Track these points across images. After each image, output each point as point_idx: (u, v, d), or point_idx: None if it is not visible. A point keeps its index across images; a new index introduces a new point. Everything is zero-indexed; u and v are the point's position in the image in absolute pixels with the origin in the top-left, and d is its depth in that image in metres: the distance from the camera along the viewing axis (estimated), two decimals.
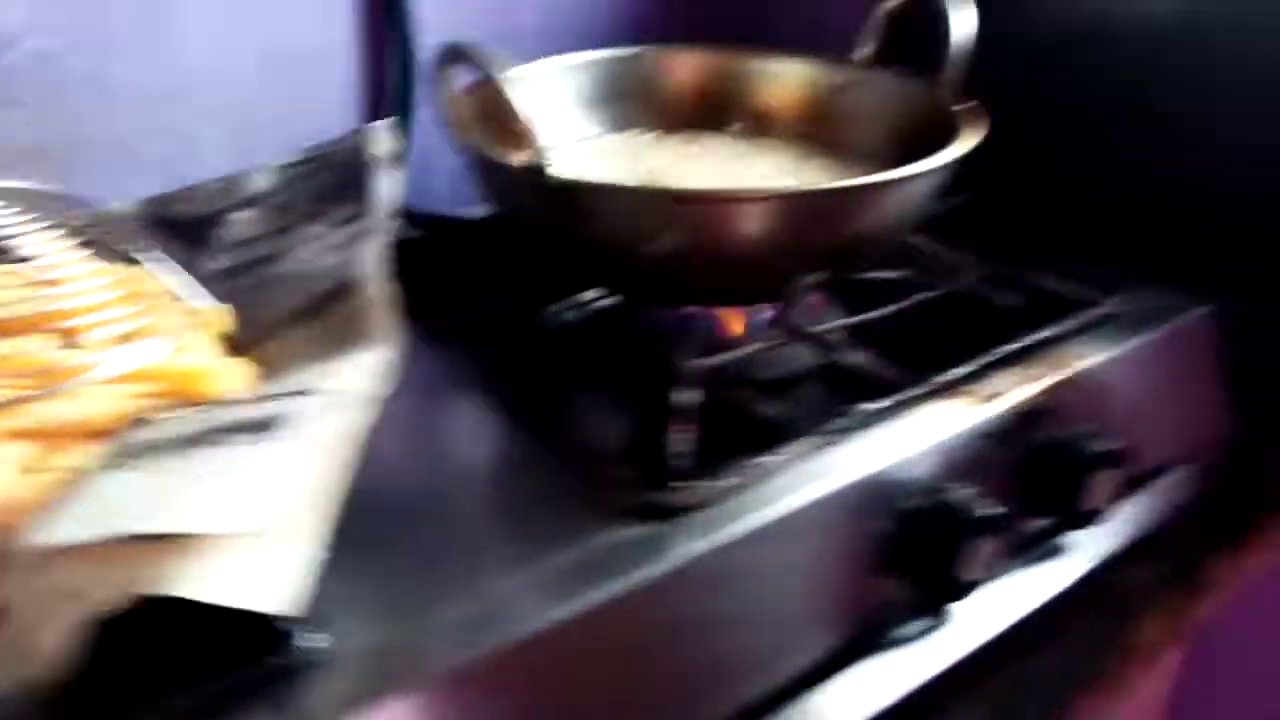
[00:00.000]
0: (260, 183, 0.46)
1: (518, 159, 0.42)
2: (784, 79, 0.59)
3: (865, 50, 0.58)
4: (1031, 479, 0.45)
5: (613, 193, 0.41)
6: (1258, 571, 0.55)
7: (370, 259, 0.37)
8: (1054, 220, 0.60)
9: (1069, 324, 0.50)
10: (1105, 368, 0.49)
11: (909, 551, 0.41)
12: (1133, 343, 0.50)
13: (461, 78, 0.46)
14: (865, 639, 0.42)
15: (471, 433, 0.44)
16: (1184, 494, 0.54)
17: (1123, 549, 0.51)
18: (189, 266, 0.43)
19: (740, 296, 0.47)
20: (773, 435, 0.42)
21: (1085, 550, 0.49)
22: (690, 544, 0.36)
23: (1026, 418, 0.45)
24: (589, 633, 0.34)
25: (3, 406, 0.31)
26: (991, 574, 0.42)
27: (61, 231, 0.39)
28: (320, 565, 0.30)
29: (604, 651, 0.35)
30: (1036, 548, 0.47)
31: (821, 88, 0.58)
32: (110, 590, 0.24)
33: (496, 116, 0.42)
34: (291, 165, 0.46)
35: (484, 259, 0.56)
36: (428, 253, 0.58)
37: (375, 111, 0.65)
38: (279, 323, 0.38)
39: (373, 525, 0.37)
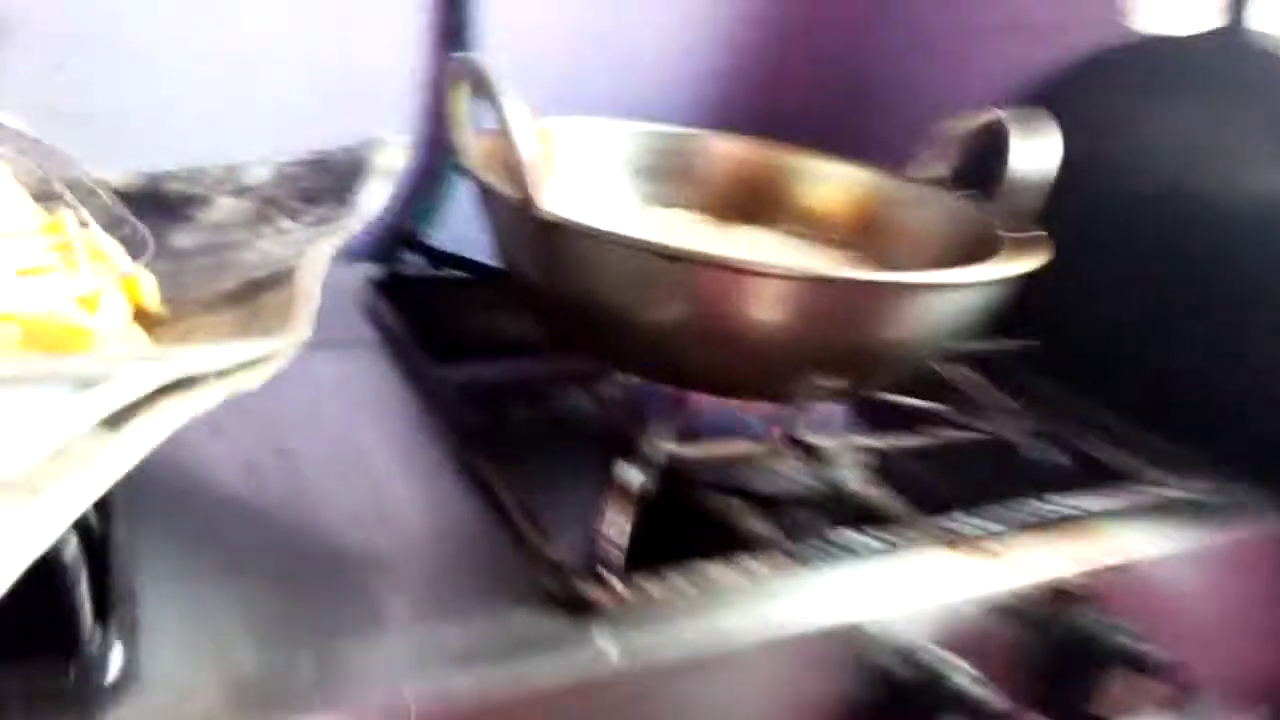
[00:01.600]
0: (258, 174, 0.44)
1: (507, 189, 0.38)
2: (840, 183, 0.55)
3: (930, 167, 0.53)
4: (1042, 669, 0.37)
5: (604, 241, 0.37)
6: None
7: (315, 255, 0.34)
8: (1124, 388, 0.53)
9: (1120, 499, 0.42)
10: (1158, 560, 0.41)
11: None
12: (1197, 537, 0.42)
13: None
14: None
15: (416, 479, 0.39)
16: None
17: None
18: (160, 241, 0.40)
19: (738, 388, 0.41)
20: (737, 546, 0.35)
21: None
22: (597, 649, 0.30)
23: (1048, 593, 0.37)
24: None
25: None
26: None
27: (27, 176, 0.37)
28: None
29: None
30: None
31: (878, 198, 0.54)
32: None
33: (505, 152, 0.39)
34: (294, 163, 0.44)
35: (489, 307, 0.53)
36: (437, 292, 0.55)
37: (430, 148, 0.64)
38: (207, 304, 0.34)
39: (267, 554, 0.33)
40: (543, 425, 0.45)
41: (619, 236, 0.37)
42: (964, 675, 0.33)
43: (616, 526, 0.31)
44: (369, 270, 0.57)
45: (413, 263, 0.58)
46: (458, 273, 0.56)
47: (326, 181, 0.42)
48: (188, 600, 0.30)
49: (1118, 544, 0.40)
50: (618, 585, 0.31)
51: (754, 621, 0.32)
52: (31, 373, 0.24)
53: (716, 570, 0.33)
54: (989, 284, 0.39)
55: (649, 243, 0.36)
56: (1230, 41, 0.54)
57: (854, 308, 0.38)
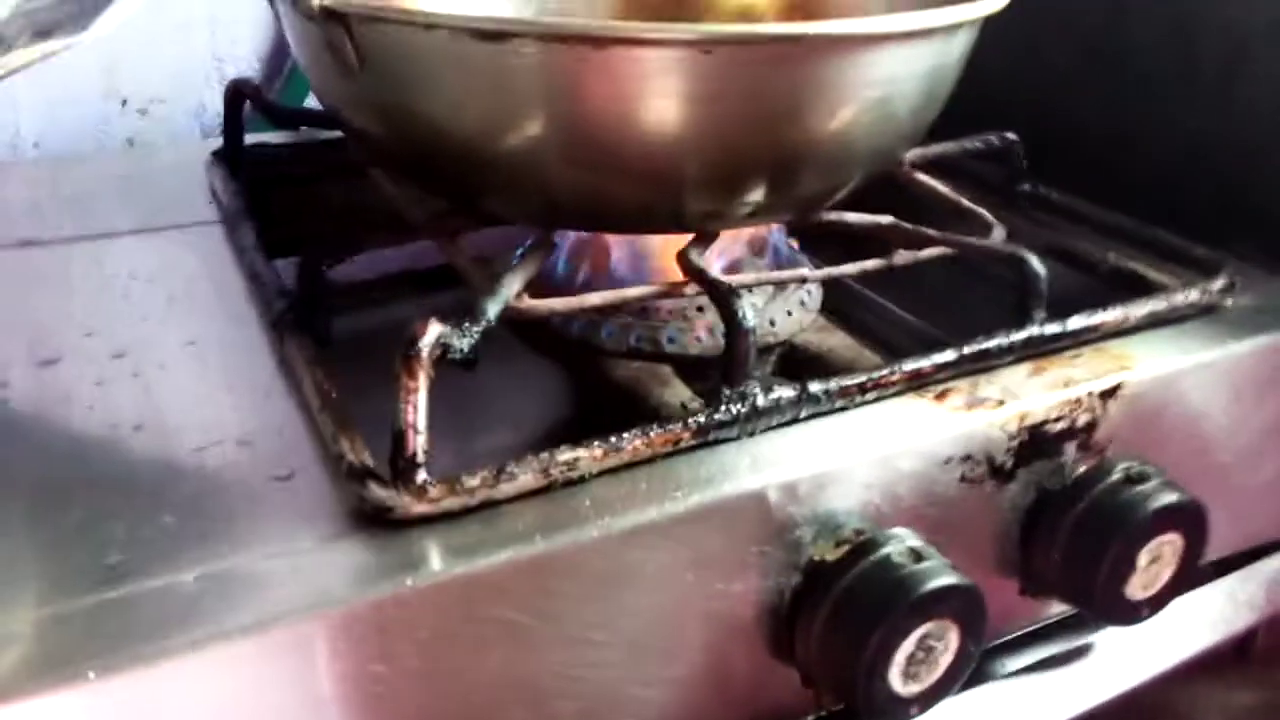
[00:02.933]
0: None
1: None
2: None
3: None
4: (1041, 538, 0.28)
5: (407, 27, 0.27)
6: None
7: None
8: (1125, 191, 0.42)
9: (1136, 309, 0.33)
10: (1187, 379, 0.32)
11: (816, 630, 0.25)
12: (1230, 348, 0.32)
13: None
14: None
15: (223, 379, 0.30)
16: None
17: (1184, 665, 0.33)
18: None
19: (623, 219, 0.32)
20: (619, 420, 0.26)
21: (1121, 663, 0.32)
22: (411, 570, 0.22)
23: (1041, 439, 0.28)
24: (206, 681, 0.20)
25: None
26: (948, 681, 0.25)
27: None
28: None
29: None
30: (1041, 646, 0.30)
31: None
32: None
33: None
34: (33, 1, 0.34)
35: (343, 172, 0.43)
36: (286, 160, 0.46)
37: None
38: None
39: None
40: (397, 322, 0.36)
41: (429, 16, 0.27)
42: (929, 554, 0.25)
43: (415, 405, 0.23)
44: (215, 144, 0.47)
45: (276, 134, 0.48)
46: (313, 134, 0.46)
47: (69, 11, 0.32)
48: None
49: (1131, 362, 0.31)
50: (427, 485, 0.23)
51: (623, 511, 0.24)
52: None
53: (576, 452, 0.24)
54: (932, 31, 0.29)
55: (469, 19, 0.26)
56: None
57: (759, 81, 0.27)
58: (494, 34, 0.26)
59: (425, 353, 0.23)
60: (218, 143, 0.48)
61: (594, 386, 0.35)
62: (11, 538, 0.23)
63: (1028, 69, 0.46)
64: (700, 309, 0.35)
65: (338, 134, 0.46)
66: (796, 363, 0.36)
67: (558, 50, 0.27)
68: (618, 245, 0.36)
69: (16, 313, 0.34)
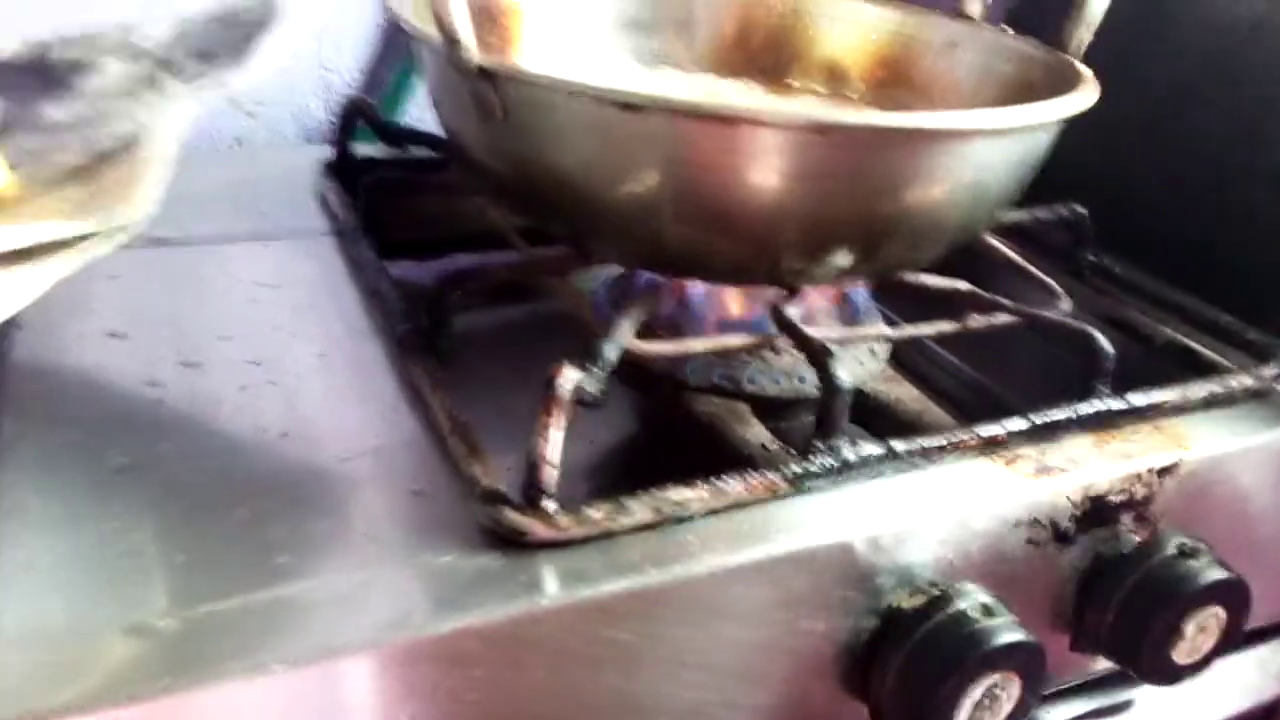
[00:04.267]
0: (156, 34, 0.37)
1: (438, 33, 0.30)
2: (864, 25, 0.46)
3: (972, 7, 0.45)
4: (1094, 601, 0.31)
5: (552, 91, 0.30)
6: None
7: (169, 117, 0.27)
8: (1186, 267, 0.44)
9: (1194, 390, 0.35)
10: (1233, 460, 0.34)
11: (892, 673, 0.27)
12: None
13: None
14: None
15: (353, 391, 0.33)
16: None
17: None
18: (27, 111, 0.34)
19: (728, 271, 0.35)
20: (722, 462, 0.29)
21: (1162, 716, 0.34)
22: (536, 591, 0.24)
23: (1101, 509, 0.31)
24: (347, 690, 0.23)
25: None
26: None
27: None
28: None
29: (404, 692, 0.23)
30: (1086, 696, 0.33)
31: (908, 41, 0.45)
32: None
33: None
34: (197, 18, 0.37)
35: (455, 191, 0.46)
36: (395, 175, 0.48)
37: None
38: (49, 181, 0.28)
39: (156, 478, 0.28)
40: (507, 330, 0.39)
41: (569, 84, 0.30)
42: (995, 611, 0.27)
43: (551, 441, 0.25)
44: (323, 153, 0.50)
45: (377, 145, 0.51)
46: (420, 153, 0.49)
47: (230, 37, 0.35)
48: (44, 539, 0.25)
49: (1184, 442, 0.33)
50: (555, 513, 0.26)
51: (723, 549, 0.26)
52: None
53: (685, 492, 0.27)
54: (1026, 129, 0.31)
55: (608, 90, 0.29)
56: None
57: (863, 164, 0.30)
58: (631, 105, 0.29)
59: (564, 394, 0.26)
60: (319, 149, 0.51)
61: (675, 418, 0.38)
62: (178, 533, 0.26)
63: (1101, 146, 0.48)
64: (776, 351, 0.37)
65: (435, 153, 0.49)
66: (865, 410, 0.38)
67: (687, 123, 0.29)
68: (697, 290, 0.39)
69: (158, 311, 0.37)
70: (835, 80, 0.47)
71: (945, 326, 0.36)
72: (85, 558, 0.25)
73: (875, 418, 0.37)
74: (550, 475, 0.26)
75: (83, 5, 0.43)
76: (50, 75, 0.37)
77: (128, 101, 0.33)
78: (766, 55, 0.49)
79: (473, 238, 0.43)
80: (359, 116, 0.48)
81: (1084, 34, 0.39)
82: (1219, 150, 0.47)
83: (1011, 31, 0.43)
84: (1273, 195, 0.45)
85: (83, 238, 0.23)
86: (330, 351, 0.35)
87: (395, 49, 0.59)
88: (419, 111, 0.59)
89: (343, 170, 0.48)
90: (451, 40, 0.29)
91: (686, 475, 0.28)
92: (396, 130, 0.49)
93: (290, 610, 0.23)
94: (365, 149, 0.50)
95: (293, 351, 0.35)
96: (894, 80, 0.46)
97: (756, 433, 0.36)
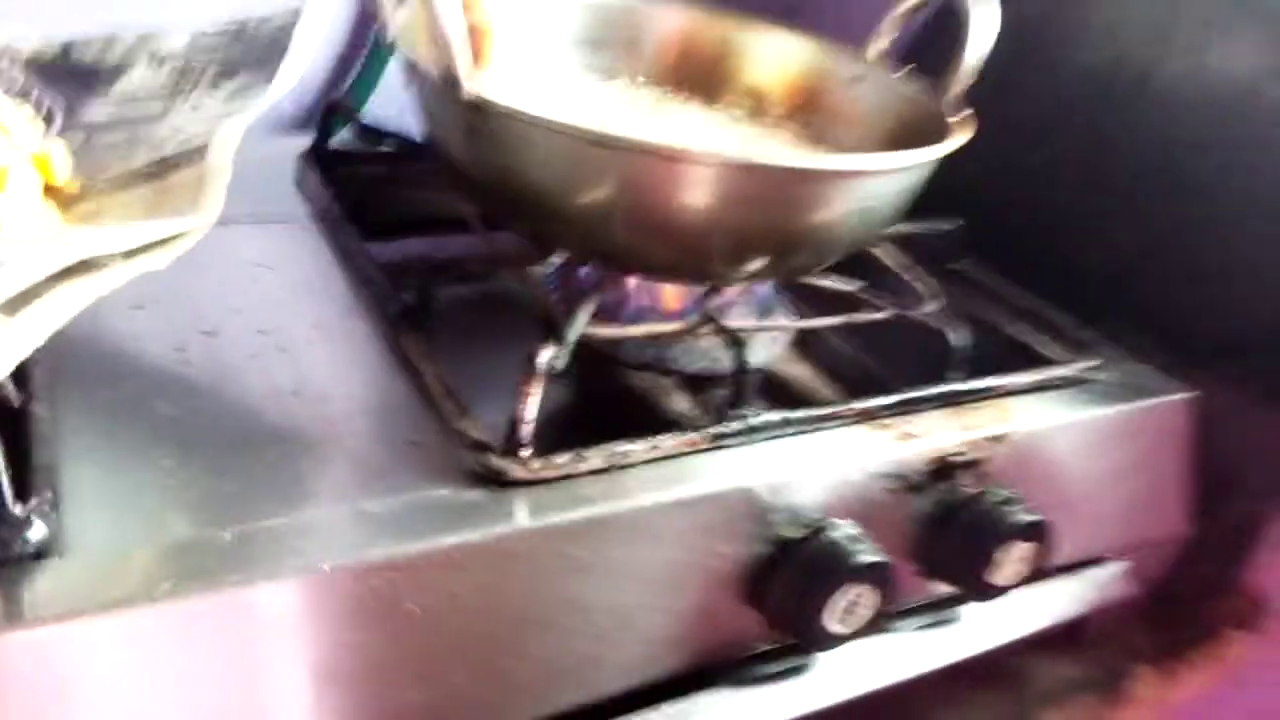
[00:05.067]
0: (174, 43, 0.42)
1: (437, 67, 0.37)
2: (784, 57, 0.54)
3: (877, 47, 0.53)
4: (935, 536, 0.40)
5: (532, 124, 0.37)
6: (1186, 699, 0.49)
7: (228, 130, 0.33)
8: (1043, 271, 0.54)
9: (1021, 377, 0.44)
10: (1050, 433, 0.43)
11: (778, 586, 0.36)
12: (1090, 412, 0.45)
13: None
14: (713, 669, 0.38)
15: (349, 358, 0.40)
16: (1114, 592, 0.49)
17: (1030, 636, 0.46)
18: (72, 113, 0.39)
19: (665, 270, 0.42)
20: (653, 423, 0.37)
21: (984, 628, 0.44)
22: (513, 518, 0.32)
23: (943, 467, 0.40)
24: (371, 588, 0.30)
25: None
26: (866, 629, 0.37)
27: None
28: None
29: (391, 614, 0.31)
30: (927, 612, 0.42)
31: (821, 73, 0.53)
32: None
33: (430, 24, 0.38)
34: (211, 31, 0.42)
35: (420, 183, 0.52)
36: (368, 167, 0.54)
37: (362, 15, 0.61)
38: (116, 181, 0.34)
39: (192, 430, 0.34)
40: (471, 304, 0.46)
41: (546, 121, 0.37)
42: (859, 540, 0.36)
43: (529, 404, 0.33)
44: (301, 144, 0.56)
45: (346, 137, 0.57)
46: (389, 147, 0.55)
47: (248, 51, 0.41)
48: (112, 475, 0.31)
49: (1012, 418, 0.42)
50: (529, 459, 0.33)
51: (661, 489, 0.34)
52: None
53: (628, 445, 0.35)
54: (911, 168, 0.40)
55: (577, 127, 0.36)
56: None
57: (777, 193, 0.38)
58: (600, 142, 0.36)
59: (542, 368, 0.33)
60: (291, 140, 0.56)
61: (615, 388, 0.46)
62: (223, 467, 0.33)
63: (983, 166, 0.57)
64: (697, 336, 0.45)
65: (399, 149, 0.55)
66: (770, 386, 0.47)
67: (642, 156, 0.37)
68: (638, 283, 0.47)
69: (179, 286, 0.42)
70: (758, 102, 0.55)
71: (835, 320, 0.45)
72: (151, 486, 0.31)
73: (778, 392, 0.45)
74: (527, 431, 0.33)
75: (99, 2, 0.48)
76: (77, 75, 0.42)
77: (158, 105, 0.39)
78: (701, 75, 0.56)
79: (434, 221, 0.50)
80: (337, 114, 0.54)
81: (961, 83, 0.47)
82: (1077, 173, 0.57)
83: (907, 70, 0.51)
84: (1116, 212, 0.55)
85: (160, 241, 0.28)
86: (327, 324, 0.42)
87: (360, 44, 0.64)
88: (380, 101, 0.64)
89: (321, 161, 0.54)
90: (451, 78, 0.36)
91: (627, 433, 0.36)
92: (371, 128, 0.55)
93: (324, 528, 0.30)
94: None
95: (295, 324, 0.41)
96: (807, 106, 0.54)
97: (676, 401, 0.44)
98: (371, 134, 0.55)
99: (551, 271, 0.47)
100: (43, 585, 0.27)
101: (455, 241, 0.48)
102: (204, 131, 0.34)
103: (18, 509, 0.27)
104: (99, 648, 0.27)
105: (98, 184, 0.34)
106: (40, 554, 0.27)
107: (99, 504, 0.30)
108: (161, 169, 0.33)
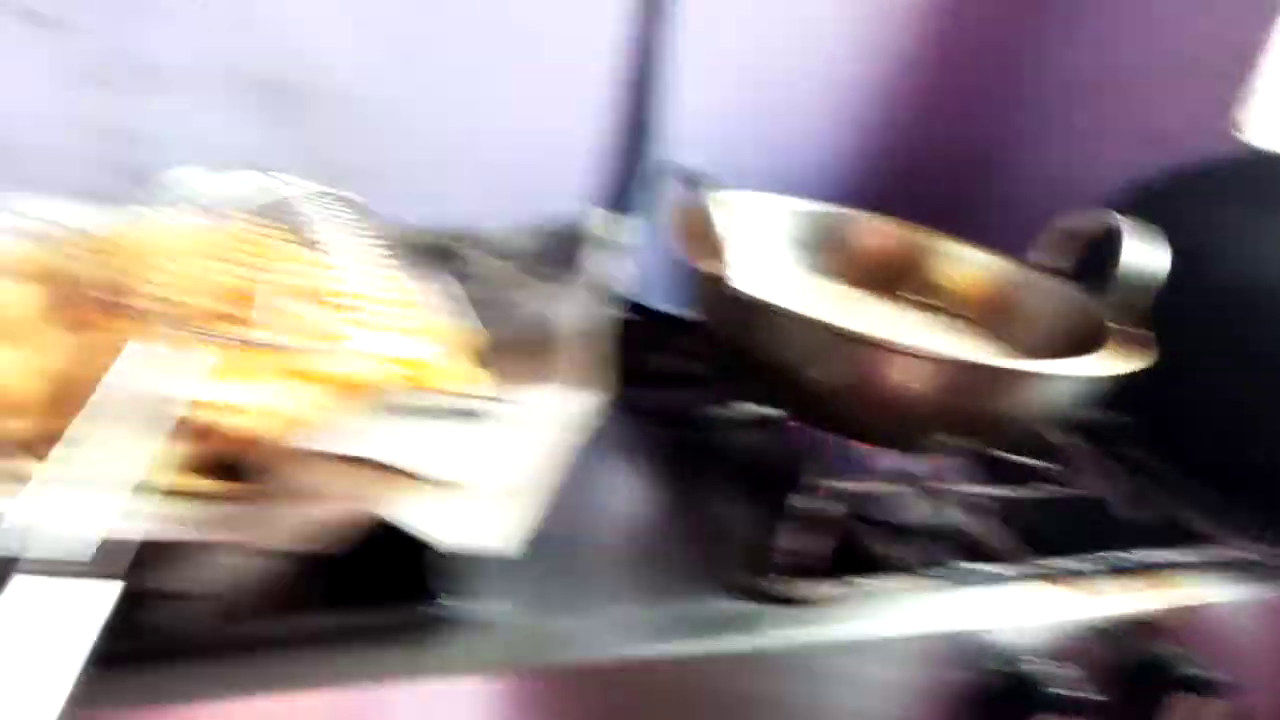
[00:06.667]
0: (503, 240, 0.57)
1: (707, 266, 0.49)
2: (971, 265, 0.65)
3: (1050, 257, 0.62)
4: (1120, 686, 0.46)
5: (782, 315, 0.48)
6: None
7: (587, 317, 0.46)
8: (1208, 461, 0.60)
9: (1193, 555, 0.51)
10: (1220, 606, 0.49)
11: (984, 710, 0.43)
12: (1255, 590, 0.50)
13: (687, 194, 0.55)
14: None
15: (631, 494, 0.51)
16: None
17: None
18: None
19: (882, 439, 0.52)
20: (880, 565, 0.46)
21: None
22: (771, 628, 0.41)
23: (1129, 623, 0.47)
24: (660, 676, 0.39)
25: (290, 352, 0.41)
26: None
27: (366, 235, 0.50)
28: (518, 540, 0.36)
29: (668, 697, 0.39)
30: None
31: (1004, 281, 0.64)
32: (353, 501, 0.32)
33: (703, 230, 0.51)
34: (525, 231, 0.57)
35: (682, 353, 0.64)
36: (636, 336, 0.66)
37: (616, 203, 0.76)
38: (510, 349, 0.47)
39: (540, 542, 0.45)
40: (719, 453, 0.56)
41: (800, 316, 0.48)
42: (1053, 675, 0.43)
43: (792, 540, 0.43)
44: None
45: None
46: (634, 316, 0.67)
47: (554, 246, 0.55)
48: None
49: (1188, 591, 0.49)
50: (792, 585, 0.42)
51: (888, 619, 0.43)
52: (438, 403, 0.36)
53: (860, 581, 0.44)
54: (1096, 378, 0.48)
55: (826, 322, 0.47)
56: None
57: (980, 385, 0.48)
58: (843, 335, 0.47)
59: (804, 512, 0.43)
60: None
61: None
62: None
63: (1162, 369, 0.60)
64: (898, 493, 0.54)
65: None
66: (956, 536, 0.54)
67: (872, 349, 0.47)
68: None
69: None
70: (945, 299, 0.66)
71: (1009, 491, 0.53)
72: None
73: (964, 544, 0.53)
74: (787, 561, 0.42)
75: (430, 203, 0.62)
76: (436, 258, 0.56)
77: (512, 291, 0.52)
78: (892, 274, 0.67)
79: (679, 381, 0.61)
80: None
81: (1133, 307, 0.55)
82: (1244, 380, 0.63)
83: (1073, 281, 0.60)
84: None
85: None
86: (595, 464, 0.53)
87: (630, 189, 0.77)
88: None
89: None
90: (725, 282, 0.48)
91: (839, 568, 0.44)
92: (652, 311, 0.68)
93: (598, 630, 0.40)
94: None
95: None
96: (984, 306, 0.64)
97: (879, 545, 0.52)
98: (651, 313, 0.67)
99: (781, 431, 0.58)
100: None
101: (700, 397, 0.59)
102: (569, 316, 0.47)
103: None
104: None
105: (492, 350, 0.47)
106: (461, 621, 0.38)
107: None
108: (541, 342, 0.45)
